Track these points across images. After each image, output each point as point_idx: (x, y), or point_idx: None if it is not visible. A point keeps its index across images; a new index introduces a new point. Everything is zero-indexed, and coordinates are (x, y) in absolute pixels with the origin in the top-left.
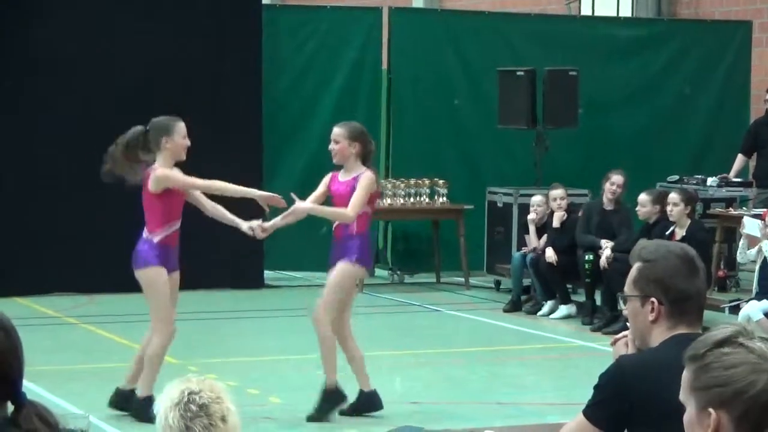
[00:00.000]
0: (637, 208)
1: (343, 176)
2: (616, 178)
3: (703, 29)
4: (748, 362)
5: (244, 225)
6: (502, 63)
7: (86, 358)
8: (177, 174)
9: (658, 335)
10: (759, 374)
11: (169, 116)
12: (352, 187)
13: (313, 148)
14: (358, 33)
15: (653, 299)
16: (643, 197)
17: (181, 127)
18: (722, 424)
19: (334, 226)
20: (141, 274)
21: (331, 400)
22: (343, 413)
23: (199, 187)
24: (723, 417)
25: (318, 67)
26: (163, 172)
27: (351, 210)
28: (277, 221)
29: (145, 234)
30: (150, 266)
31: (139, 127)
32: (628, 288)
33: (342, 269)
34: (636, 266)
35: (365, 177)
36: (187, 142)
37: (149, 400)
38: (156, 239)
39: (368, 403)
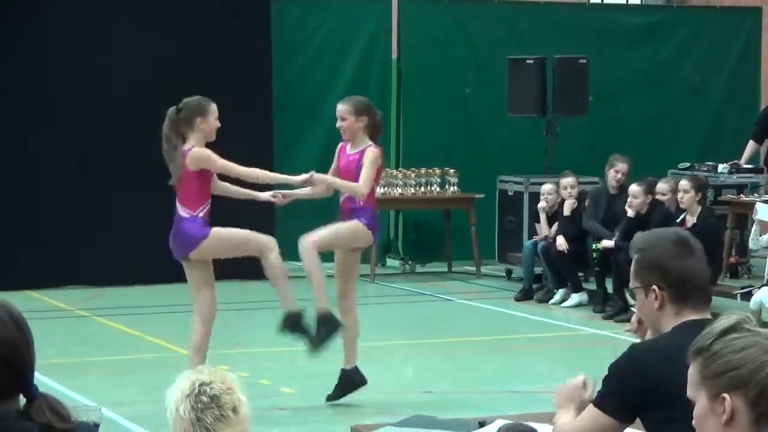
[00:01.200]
0: (629, 200)
1: (351, 149)
2: (621, 166)
3: (712, 16)
4: (758, 344)
5: (263, 195)
6: (511, 51)
7: (98, 351)
8: (216, 156)
9: (668, 322)
10: None
11: (201, 96)
12: (358, 161)
13: (322, 139)
14: (368, 23)
15: (654, 286)
16: (635, 189)
17: (214, 108)
18: (737, 407)
19: (342, 198)
20: (202, 249)
21: (327, 323)
22: (330, 398)
23: (237, 174)
24: (737, 401)
25: (327, 57)
26: (203, 151)
27: (363, 186)
28: (296, 191)
29: (185, 213)
30: (207, 237)
31: (171, 109)
32: (632, 281)
33: (353, 224)
34: (635, 258)
35: (370, 152)
36: (218, 123)
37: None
38: (201, 214)
39: (350, 381)
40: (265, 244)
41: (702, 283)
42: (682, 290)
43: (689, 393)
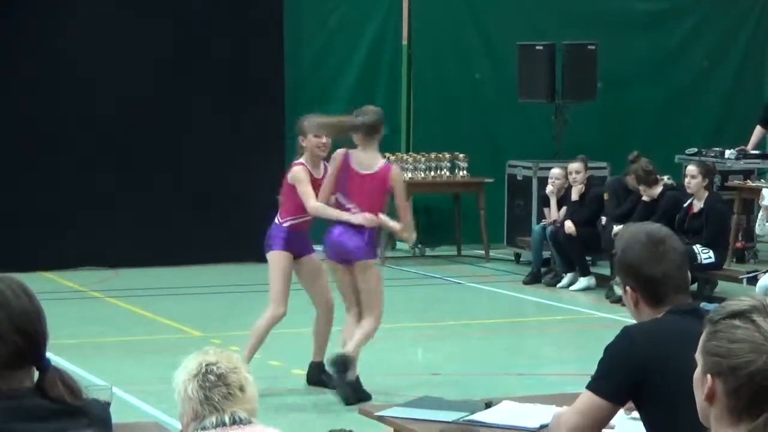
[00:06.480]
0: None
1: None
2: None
3: (721, 2)
4: (752, 341)
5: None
6: (521, 37)
7: (111, 332)
8: (305, 182)
9: (647, 317)
10: (759, 354)
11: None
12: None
13: None
14: (379, 8)
15: (628, 287)
16: None
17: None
18: (716, 392)
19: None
20: (268, 257)
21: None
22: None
23: (309, 207)
24: (718, 386)
25: (339, 44)
26: (298, 172)
27: None
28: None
29: (276, 219)
30: (274, 250)
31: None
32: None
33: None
34: (615, 257)
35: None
36: (320, 140)
37: None
38: (286, 224)
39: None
40: (273, 309)
41: (675, 285)
42: (654, 294)
43: (696, 354)
